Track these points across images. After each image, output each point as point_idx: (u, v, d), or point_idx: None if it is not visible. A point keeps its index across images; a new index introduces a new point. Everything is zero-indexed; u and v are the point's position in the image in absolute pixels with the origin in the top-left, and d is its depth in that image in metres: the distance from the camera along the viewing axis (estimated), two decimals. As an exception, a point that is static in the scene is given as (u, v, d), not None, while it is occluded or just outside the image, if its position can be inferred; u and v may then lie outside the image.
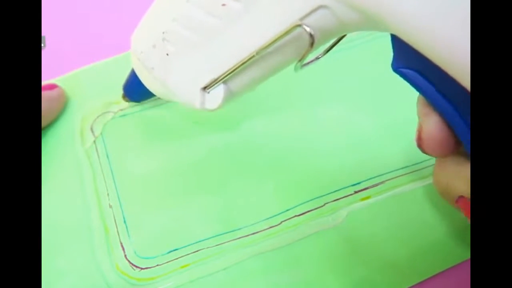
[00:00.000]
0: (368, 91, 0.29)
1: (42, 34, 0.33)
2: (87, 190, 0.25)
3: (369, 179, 0.26)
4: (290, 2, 0.15)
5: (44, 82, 0.29)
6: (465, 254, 0.23)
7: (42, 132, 0.27)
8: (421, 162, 0.26)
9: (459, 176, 0.16)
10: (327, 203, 0.25)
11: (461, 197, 0.16)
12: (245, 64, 0.17)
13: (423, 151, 0.17)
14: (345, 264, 0.23)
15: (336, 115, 0.28)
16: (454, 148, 0.16)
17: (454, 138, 0.16)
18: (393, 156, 0.27)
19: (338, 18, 0.15)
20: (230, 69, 0.18)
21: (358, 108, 0.28)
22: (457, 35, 0.12)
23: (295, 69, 0.18)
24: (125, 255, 0.24)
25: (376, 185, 0.26)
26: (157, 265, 0.23)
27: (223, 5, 0.16)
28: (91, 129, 0.28)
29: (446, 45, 0.12)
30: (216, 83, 0.18)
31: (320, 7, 0.14)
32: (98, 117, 0.28)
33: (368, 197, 0.25)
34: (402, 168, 0.26)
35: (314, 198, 0.25)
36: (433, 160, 0.18)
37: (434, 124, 0.16)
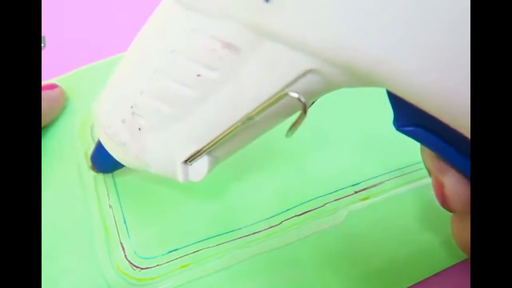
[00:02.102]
0: (368, 91, 0.29)
1: (42, 34, 0.33)
2: (87, 190, 0.25)
3: (369, 179, 0.26)
4: (273, 68, 0.13)
5: (44, 82, 0.29)
6: (465, 254, 0.23)
7: (42, 132, 0.27)
8: (420, 163, 0.26)
9: None
10: (327, 203, 0.25)
11: None
12: (229, 135, 0.15)
13: (449, 209, 0.15)
14: (345, 264, 0.23)
15: (337, 115, 0.28)
16: None
17: None
18: (393, 157, 0.27)
19: (329, 81, 0.13)
20: (213, 140, 0.16)
21: (359, 109, 0.28)
22: (460, 91, 0.10)
23: (287, 135, 0.16)
24: (125, 255, 0.24)
25: (376, 185, 0.26)
26: (157, 265, 0.23)
27: (198, 75, 0.14)
28: (91, 129, 0.28)
29: (452, 101, 0.11)
30: (199, 155, 0.17)
31: (309, 71, 0.13)
32: (98, 117, 0.28)
33: (367, 198, 0.25)
34: (401, 168, 0.26)
35: (315, 198, 0.25)
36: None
37: (456, 180, 0.14)
